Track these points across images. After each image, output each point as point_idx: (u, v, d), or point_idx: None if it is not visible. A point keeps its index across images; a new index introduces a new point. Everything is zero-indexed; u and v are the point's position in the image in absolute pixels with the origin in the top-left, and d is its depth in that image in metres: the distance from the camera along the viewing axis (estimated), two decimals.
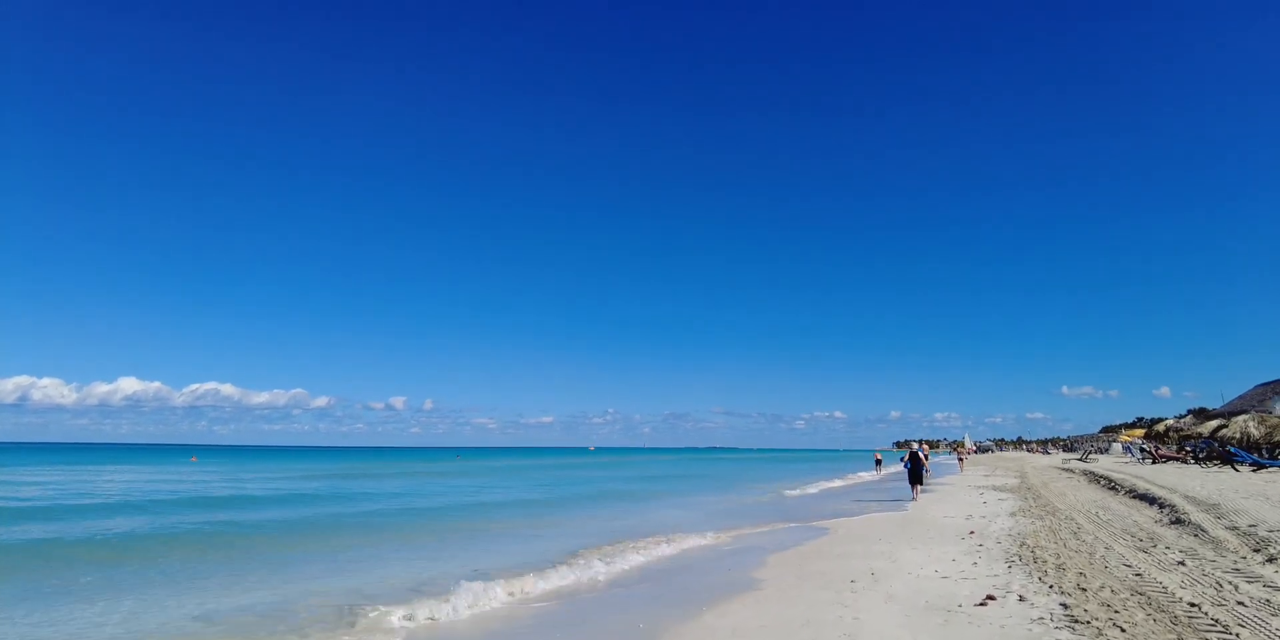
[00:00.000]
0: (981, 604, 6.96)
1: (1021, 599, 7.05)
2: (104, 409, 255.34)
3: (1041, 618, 6.30)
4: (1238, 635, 5.50)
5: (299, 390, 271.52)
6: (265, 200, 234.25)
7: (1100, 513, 14.76)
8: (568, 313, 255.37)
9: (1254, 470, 25.87)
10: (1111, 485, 21.53)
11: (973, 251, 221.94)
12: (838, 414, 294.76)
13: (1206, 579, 7.55)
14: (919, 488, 21.45)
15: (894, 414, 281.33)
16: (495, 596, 8.60)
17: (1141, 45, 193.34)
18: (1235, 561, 8.51)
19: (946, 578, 8.46)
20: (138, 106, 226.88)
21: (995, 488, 25.15)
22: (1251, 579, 7.48)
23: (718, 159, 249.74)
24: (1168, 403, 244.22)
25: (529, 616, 7.87)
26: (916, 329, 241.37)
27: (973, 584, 7.97)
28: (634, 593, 8.98)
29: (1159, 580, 7.57)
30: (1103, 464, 38.25)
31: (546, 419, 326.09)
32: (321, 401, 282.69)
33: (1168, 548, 9.80)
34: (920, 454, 21.92)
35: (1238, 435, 39.18)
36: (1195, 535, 10.70)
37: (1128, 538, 11.01)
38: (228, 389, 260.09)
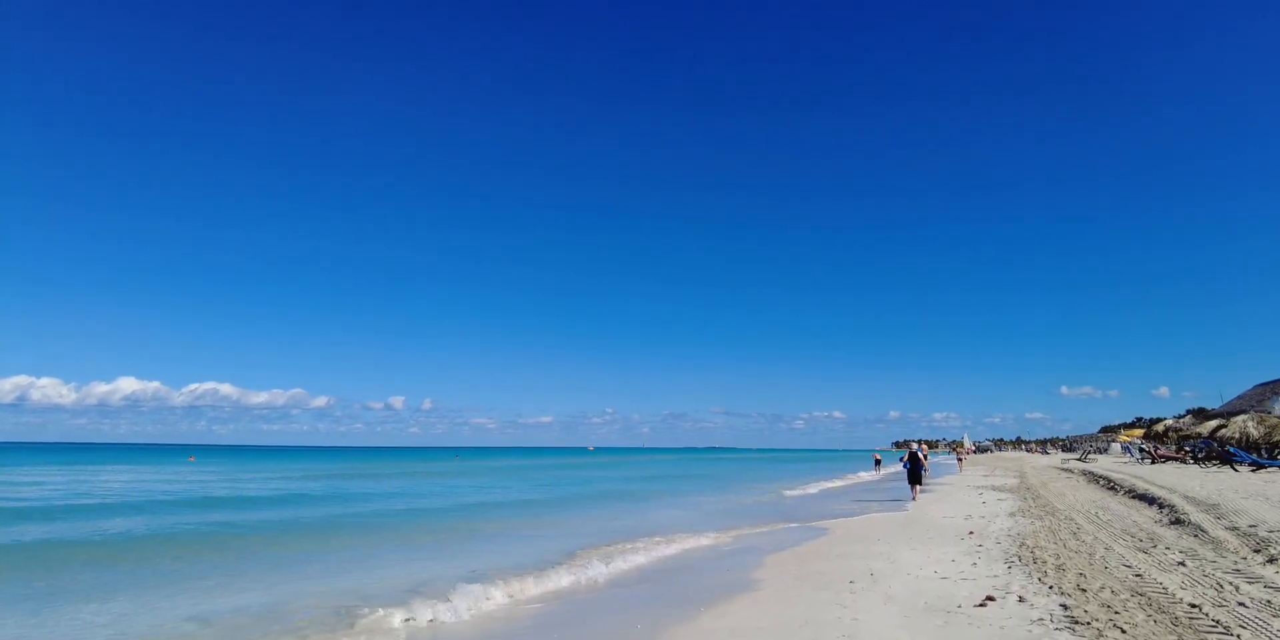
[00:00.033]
0: (981, 605, 6.92)
1: (1021, 600, 7.01)
2: (103, 409, 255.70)
3: (1041, 619, 6.26)
4: (1239, 636, 5.46)
5: (298, 390, 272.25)
6: (264, 200, 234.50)
7: (1100, 513, 14.73)
8: (567, 313, 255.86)
9: (1253, 470, 25.85)
10: (1111, 485, 21.50)
11: (972, 251, 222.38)
12: (837, 414, 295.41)
13: (1207, 580, 7.51)
14: (918, 488, 21.41)
15: (893, 414, 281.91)
16: (493, 597, 8.58)
17: (1142, 44, 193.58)
18: (1236, 562, 8.48)
19: (946, 578, 8.43)
20: (137, 106, 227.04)
21: (994, 488, 25.12)
22: (1252, 580, 7.44)
23: (717, 159, 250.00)
24: (1167, 403, 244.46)
25: (527, 617, 7.83)
26: (916, 329, 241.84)
27: (972, 585, 7.94)
28: (633, 593, 8.94)
29: (1159, 581, 7.53)
30: (1102, 464, 38.23)
31: (545, 419, 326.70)
32: (320, 401, 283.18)
33: (1168, 548, 9.76)
34: (919, 454, 21.88)
35: (1237, 435, 39.15)
36: (1195, 536, 10.67)
37: (1127, 538, 10.97)
38: (226, 389, 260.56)
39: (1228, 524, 11.22)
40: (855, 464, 61.42)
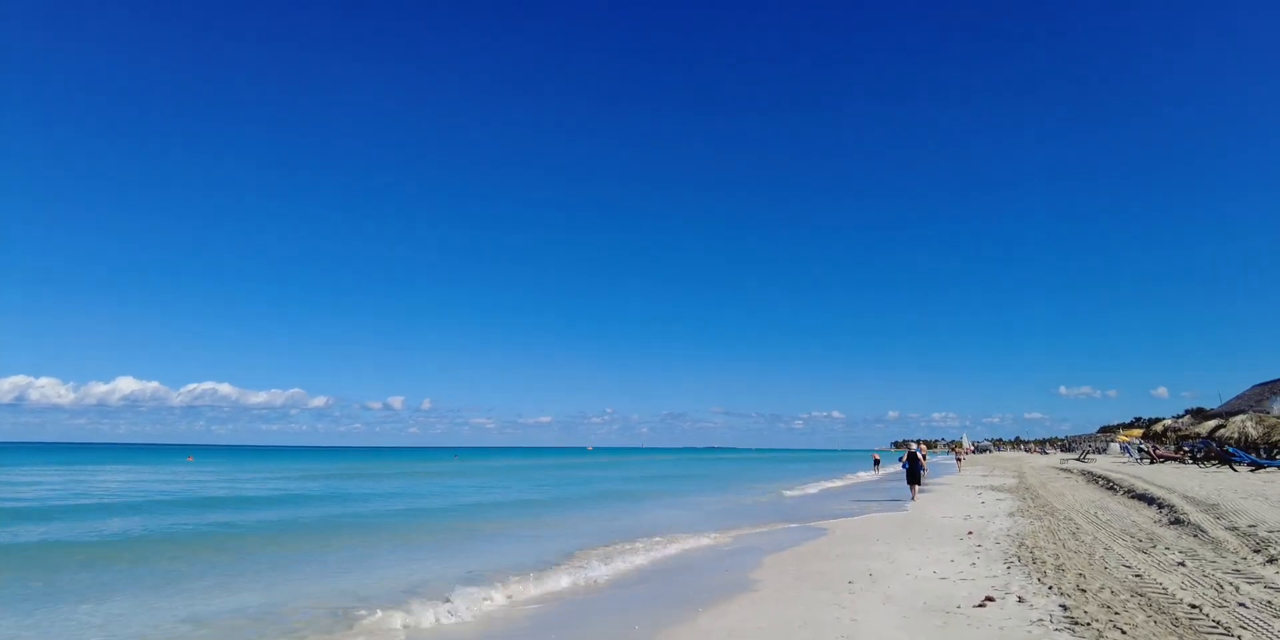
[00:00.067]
0: (980, 605, 6.90)
1: (1020, 600, 6.99)
2: (101, 409, 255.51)
3: (1041, 619, 6.24)
4: (1239, 637, 5.44)
5: (297, 390, 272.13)
6: (263, 200, 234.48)
7: (1099, 513, 14.71)
8: (566, 313, 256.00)
9: (1252, 470, 25.84)
10: (1110, 485, 21.49)
11: (971, 251, 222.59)
12: (836, 414, 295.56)
13: (1207, 580, 7.49)
14: (917, 488, 21.39)
15: (892, 414, 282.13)
16: (492, 598, 8.55)
17: (1141, 44, 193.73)
18: (1235, 562, 8.46)
19: (945, 578, 8.40)
20: (135, 105, 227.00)
21: (993, 488, 25.11)
22: (1252, 580, 7.42)
23: (716, 159, 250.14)
24: (1165, 403, 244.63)
25: (526, 618, 7.81)
26: (915, 329, 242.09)
27: (971, 585, 7.92)
28: (631, 594, 8.92)
29: (1159, 581, 7.51)
30: (1101, 464, 38.23)
31: (545, 419, 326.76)
32: (319, 401, 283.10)
33: (1167, 548, 9.74)
34: (918, 454, 21.86)
35: (1236, 435, 39.14)
36: (1195, 536, 10.65)
37: (1127, 538, 10.96)
38: (225, 389, 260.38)
39: (1227, 524, 11.20)
40: (854, 464, 61.41)
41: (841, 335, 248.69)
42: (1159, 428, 59.83)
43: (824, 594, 7.91)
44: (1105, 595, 6.95)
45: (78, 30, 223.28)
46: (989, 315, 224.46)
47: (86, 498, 25.06)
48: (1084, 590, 7.20)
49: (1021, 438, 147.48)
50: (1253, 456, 29.85)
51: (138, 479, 39.13)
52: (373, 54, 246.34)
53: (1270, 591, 6.90)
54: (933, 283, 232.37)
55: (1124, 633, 5.63)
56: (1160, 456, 35.52)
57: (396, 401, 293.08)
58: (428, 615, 7.71)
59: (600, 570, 10.39)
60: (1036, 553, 9.74)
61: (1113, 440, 71.49)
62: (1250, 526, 10.71)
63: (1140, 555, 9.29)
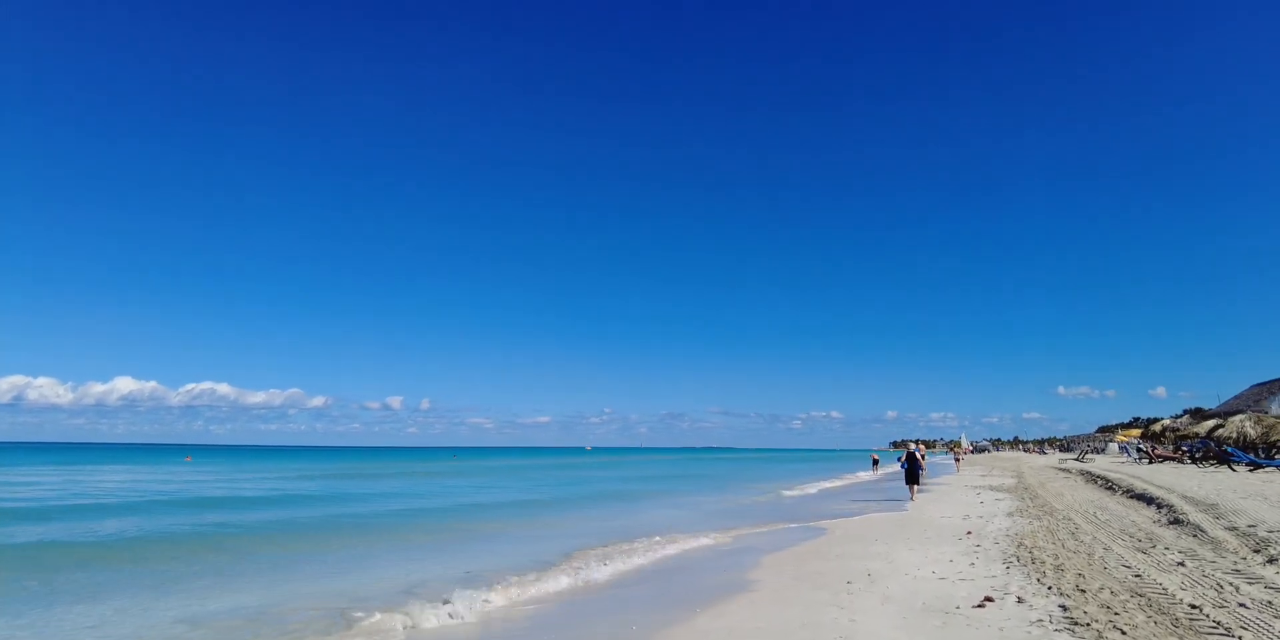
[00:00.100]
0: (979, 605, 6.87)
1: (1020, 600, 6.96)
2: (100, 409, 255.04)
3: (1040, 620, 6.21)
4: (1240, 638, 5.41)
5: (295, 390, 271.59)
6: (261, 199, 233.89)
7: (1098, 513, 14.69)
8: (564, 312, 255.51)
9: (1251, 470, 25.86)
10: (1109, 485, 21.48)
11: (969, 251, 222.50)
12: (834, 414, 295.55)
13: (1207, 580, 7.46)
14: (916, 488, 21.38)
15: (890, 414, 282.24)
16: (490, 599, 8.50)
17: (1140, 44, 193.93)
18: (1235, 562, 8.44)
19: (944, 579, 8.38)
20: (133, 104, 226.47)
21: (992, 488, 25.10)
22: (1253, 580, 7.40)
23: (715, 158, 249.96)
24: (1164, 403, 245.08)
25: (523, 619, 7.78)
26: (913, 329, 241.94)
27: (970, 585, 7.89)
28: (629, 594, 8.89)
29: (1159, 581, 7.48)
30: (1099, 464, 38.23)
31: (543, 419, 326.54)
32: (318, 401, 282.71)
33: (1167, 548, 9.72)
34: (917, 454, 21.86)
35: (1234, 435, 39.19)
36: (1194, 536, 10.63)
37: (1126, 538, 10.94)
38: (224, 389, 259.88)
39: (1226, 524, 11.18)
40: (853, 464, 61.42)
41: (840, 335, 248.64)
42: (1157, 428, 59.94)
43: (822, 594, 7.88)
44: (1105, 595, 6.92)
45: (78, 30, 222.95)
46: (988, 315, 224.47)
47: (84, 498, 25.00)
48: (1083, 590, 7.17)
49: (1020, 438, 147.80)
50: (1251, 456, 29.87)
51: (136, 479, 39.06)
52: (371, 53, 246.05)
53: (1271, 592, 6.87)
54: (931, 282, 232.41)
55: (1124, 633, 5.60)
56: (1159, 456, 35.54)
57: (395, 401, 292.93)
58: (425, 616, 7.67)
59: (598, 571, 10.35)
60: (1036, 553, 9.71)
61: (1111, 440, 71.59)
62: (1250, 526, 10.69)
63: (1140, 555, 9.26)
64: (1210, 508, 13.11)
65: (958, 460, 49.91)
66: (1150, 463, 34.16)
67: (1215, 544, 9.71)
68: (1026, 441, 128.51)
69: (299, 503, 24.50)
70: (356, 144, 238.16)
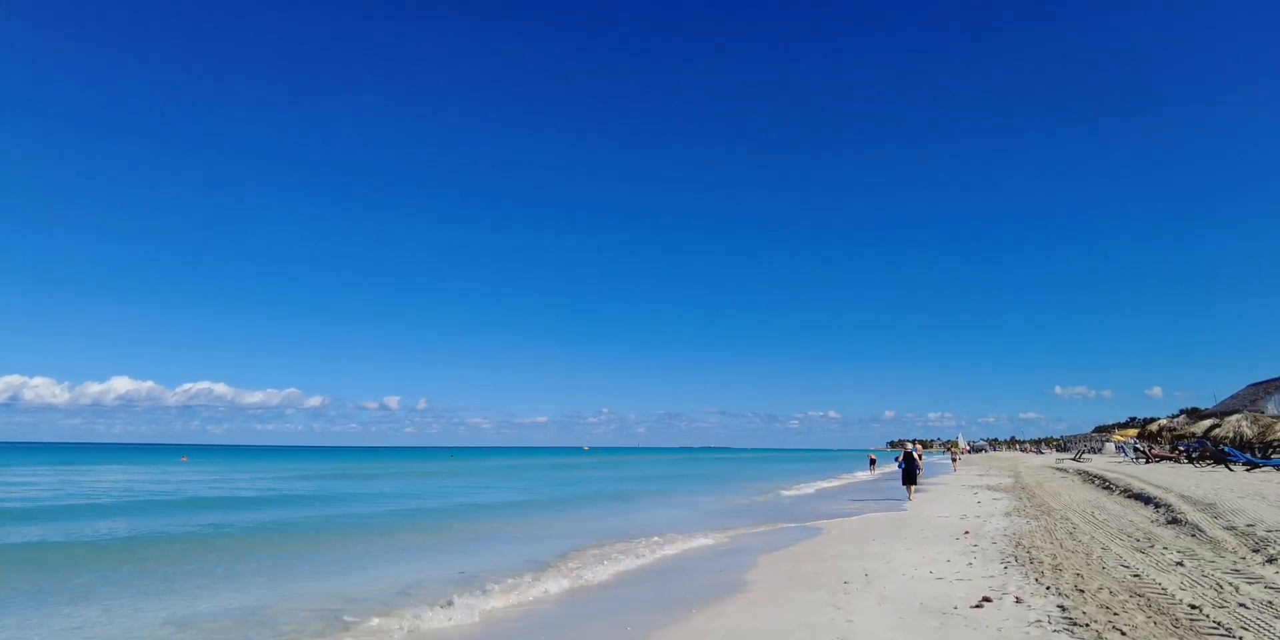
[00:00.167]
0: (977, 606, 6.82)
1: (1018, 601, 6.90)
2: (96, 409, 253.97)
3: (1039, 620, 6.15)
4: (1241, 638, 5.36)
5: (292, 390, 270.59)
6: (259, 198, 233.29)
7: (1096, 512, 14.66)
8: (563, 312, 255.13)
9: (1248, 469, 25.86)
10: (1106, 485, 21.46)
11: (967, 251, 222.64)
12: (832, 414, 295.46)
13: (1206, 580, 7.41)
14: (913, 488, 21.35)
15: (888, 414, 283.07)
16: (485, 600, 8.44)
17: (1138, 43, 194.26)
18: (1234, 562, 8.39)
19: (941, 579, 8.32)
20: (131, 103, 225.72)
21: (989, 487, 25.08)
22: (1252, 580, 7.35)
23: (713, 158, 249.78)
24: (1160, 403, 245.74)
25: (518, 619, 7.71)
26: (911, 329, 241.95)
27: (968, 585, 7.83)
28: (625, 595, 8.82)
29: (1158, 581, 7.43)
30: (1096, 464, 38.24)
31: (541, 419, 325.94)
32: (315, 401, 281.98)
33: (1165, 548, 9.67)
34: (914, 454, 21.84)
35: (1231, 435, 39.25)
36: (1192, 535, 10.58)
37: (1124, 538, 10.89)
38: (221, 388, 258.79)
39: (1225, 523, 11.14)
40: (851, 464, 61.42)
41: (838, 335, 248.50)
42: (1154, 427, 59.98)
43: (819, 594, 7.82)
44: (1104, 596, 6.87)
45: (78, 30, 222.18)
46: (985, 315, 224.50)
47: (78, 498, 24.86)
48: (1082, 590, 7.12)
49: (1017, 437, 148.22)
50: (1248, 456, 29.89)
51: (131, 479, 38.90)
52: (371, 53, 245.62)
53: (1271, 592, 6.82)
54: (929, 283, 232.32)
55: (1124, 634, 5.55)
56: (1156, 456, 35.55)
57: (392, 401, 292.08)
58: (420, 617, 7.61)
59: (595, 571, 10.29)
60: (1034, 553, 9.66)
61: (1108, 440, 71.63)
62: (1248, 526, 10.65)
63: (1138, 555, 9.22)
64: (1208, 507, 13.08)
65: (955, 460, 49.95)
66: (1147, 462, 34.16)
67: (1214, 543, 9.66)
68: (1023, 441, 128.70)
69: (295, 503, 24.39)
70: (355, 143, 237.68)
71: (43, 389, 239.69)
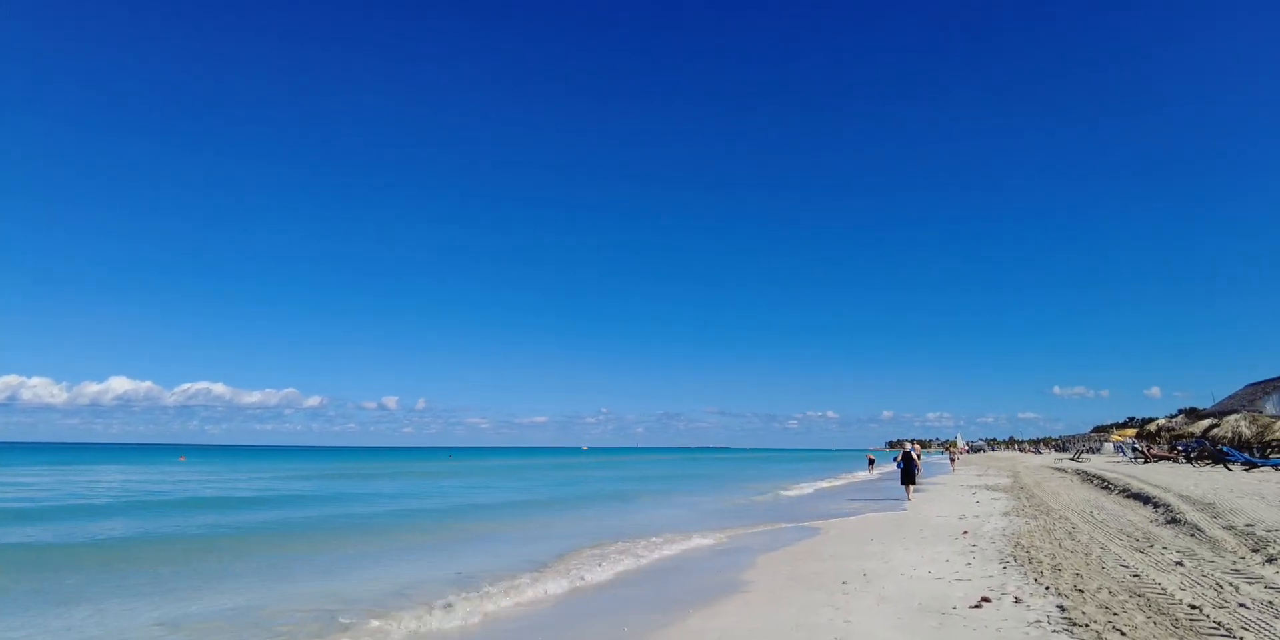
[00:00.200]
0: (976, 606, 6.79)
1: (1017, 601, 6.88)
2: (95, 409, 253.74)
3: (1038, 620, 6.13)
4: (1241, 639, 5.33)
5: (291, 390, 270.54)
6: (258, 198, 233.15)
7: (1095, 512, 14.64)
8: (562, 312, 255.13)
9: (1246, 469, 25.87)
10: (1105, 485, 21.45)
11: (965, 251, 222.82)
12: (830, 414, 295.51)
13: (1206, 580, 7.39)
14: (912, 488, 21.33)
15: (886, 414, 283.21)
16: (483, 600, 8.41)
17: (1138, 42, 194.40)
18: (1234, 562, 8.37)
19: (940, 579, 8.29)
20: (131, 103, 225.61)
21: (988, 487, 25.06)
22: (1252, 580, 7.33)
23: (713, 158, 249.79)
24: (1159, 403, 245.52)
25: (515, 620, 7.68)
26: (909, 329, 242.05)
27: (967, 585, 7.81)
28: (623, 595, 8.79)
29: (1157, 581, 7.41)
30: (1095, 463, 38.25)
31: (540, 419, 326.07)
32: (313, 401, 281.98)
33: (1165, 548, 9.65)
34: (913, 454, 21.82)
35: (1229, 435, 39.27)
36: (1192, 535, 10.57)
37: (1123, 537, 10.87)
38: (219, 388, 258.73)
39: (1224, 523, 11.13)
40: (850, 464, 61.43)
41: (836, 335, 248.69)
42: (1153, 427, 60.02)
43: (818, 594, 7.79)
44: (1103, 596, 6.85)
45: (78, 30, 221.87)
46: (984, 315, 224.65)
47: (75, 498, 24.79)
48: (1081, 591, 7.09)
49: (1015, 437, 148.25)
50: (1246, 456, 29.91)
51: (129, 479, 38.81)
52: (371, 53, 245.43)
53: (1271, 591, 6.80)
54: (928, 283, 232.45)
55: (1123, 634, 5.52)
56: (1154, 456, 35.56)
57: (391, 401, 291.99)
58: (419, 617, 7.57)
59: (593, 571, 10.27)
60: (1033, 552, 9.64)
61: (1106, 440, 71.71)
62: (1248, 525, 10.63)
63: (1138, 555, 9.19)
64: (1207, 507, 13.06)
65: (953, 460, 49.93)
66: (1146, 462, 34.17)
67: (1213, 543, 9.64)
68: (1022, 441, 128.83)
69: (293, 503, 24.33)
70: (355, 143, 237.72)
71: (41, 389, 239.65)
